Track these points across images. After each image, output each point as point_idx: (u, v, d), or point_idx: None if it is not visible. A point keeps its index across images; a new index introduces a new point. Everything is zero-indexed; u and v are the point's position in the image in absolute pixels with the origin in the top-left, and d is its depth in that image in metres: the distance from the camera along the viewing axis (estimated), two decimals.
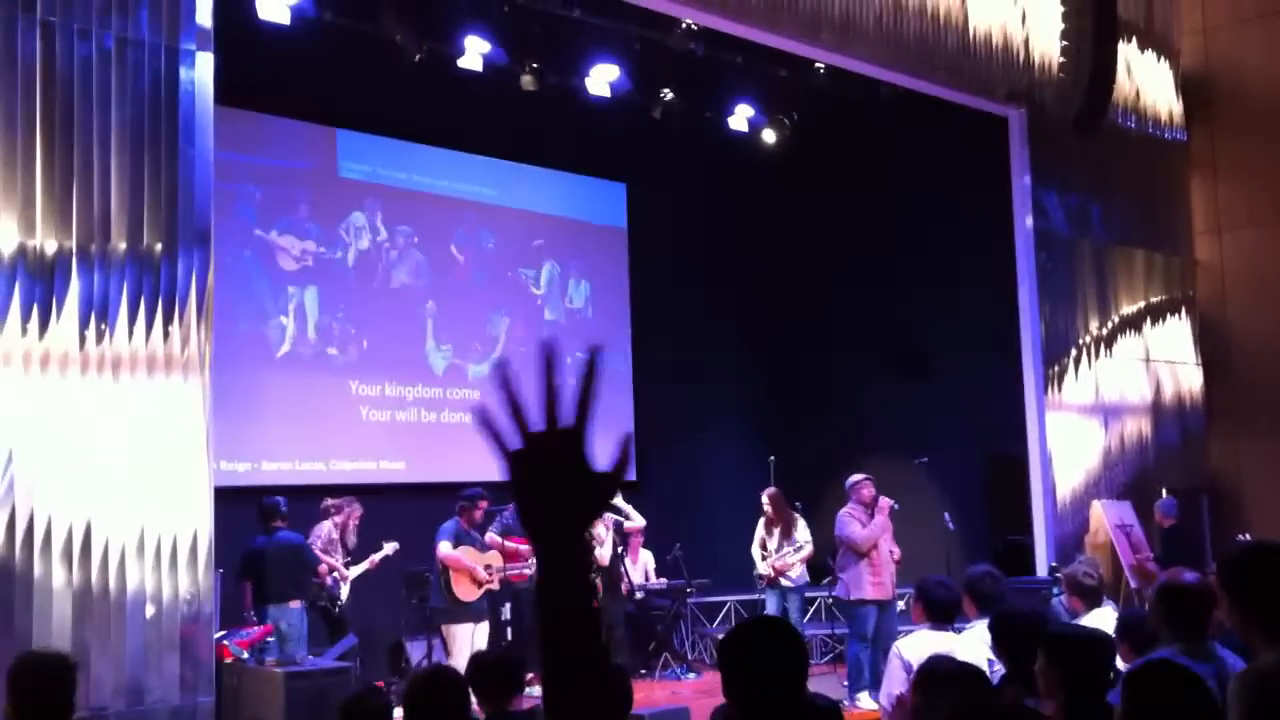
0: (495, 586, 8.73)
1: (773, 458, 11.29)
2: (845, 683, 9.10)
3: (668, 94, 11.84)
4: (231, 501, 8.10)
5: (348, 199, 11.16)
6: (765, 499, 9.88)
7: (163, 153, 6.29)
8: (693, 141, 12.33)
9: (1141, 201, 12.08)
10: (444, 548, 8.51)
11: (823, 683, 8.99)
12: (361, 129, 11.16)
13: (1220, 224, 12.58)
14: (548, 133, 11.90)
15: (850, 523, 9.00)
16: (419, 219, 11.60)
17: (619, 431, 1.42)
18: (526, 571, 8.88)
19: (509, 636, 9.34)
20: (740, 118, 12.31)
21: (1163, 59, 12.50)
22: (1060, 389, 10.89)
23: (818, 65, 11.17)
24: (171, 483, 6.16)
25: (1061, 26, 11.13)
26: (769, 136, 12.76)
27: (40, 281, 5.85)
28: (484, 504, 8.79)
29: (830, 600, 11.89)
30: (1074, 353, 11.10)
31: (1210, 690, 2.54)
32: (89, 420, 5.94)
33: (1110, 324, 11.55)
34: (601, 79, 11.16)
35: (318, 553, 8.90)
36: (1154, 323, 12.05)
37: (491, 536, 8.95)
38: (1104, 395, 11.35)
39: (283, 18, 9.34)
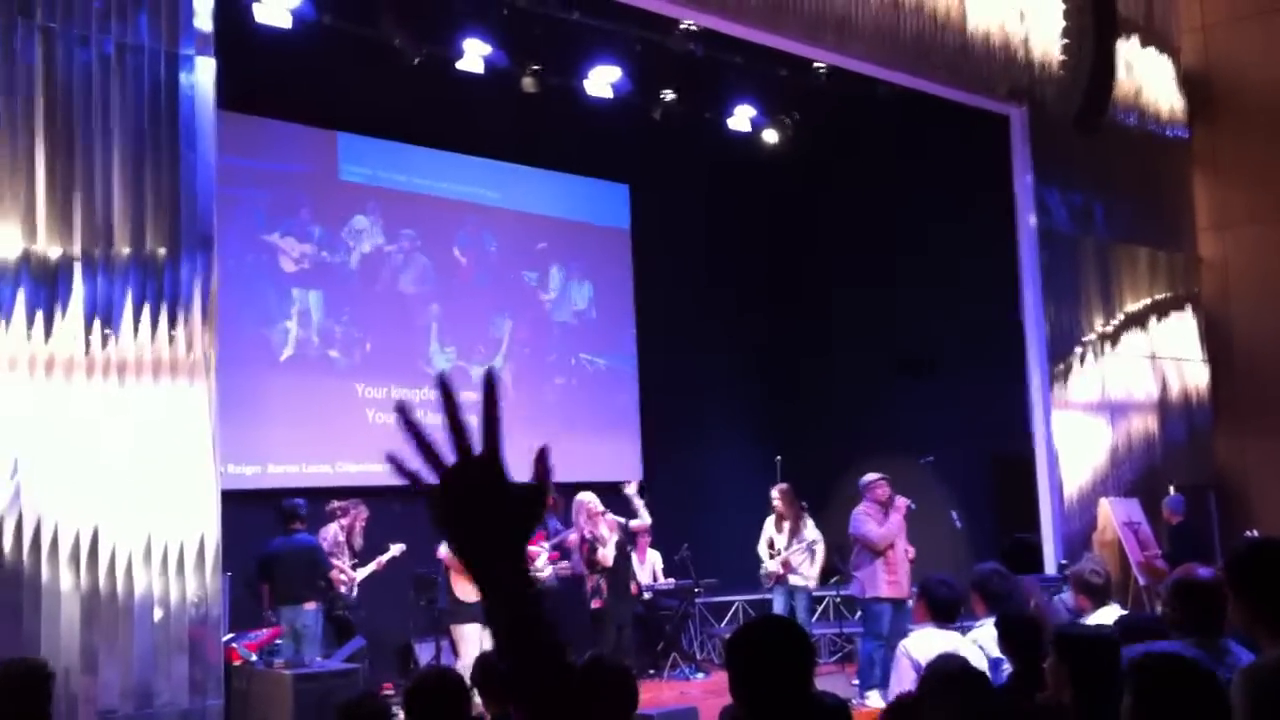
0: None
1: (779, 457, 11.27)
2: (855, 681, 9.10)
3: (668, 95, 11.83)
4: (240, 504, 8.11)
5: (349, 202, 11.16)
6: (775, 494, 9.84)
7: (164, 157, 6.30)
8: (694, 142, 12.31)
9: (1144, 199, 12.06)
10: (445, 548, 8.51)
11: (831, 682, 8.96)
12: (362, 132, 11.16)
13: (1223, 220, 12.57)
14: (549, 135, 11.88)
15: (866, 521, 9.01)
16: (421, 222, 11.60)
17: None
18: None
19: None
20: (741, 118, 12.30)
21: (1163, 56, 12.49)
22: (1066, 387, 10.88)
23: (818, 65, 11.14)
24: (178, 486, 6.16)
25: (1062, 24, 11.13)
26: (770, 137, 12.75)
27: (44, 286, 5.86)
28: None
29: (838, 599, 11.91)
30: (1079, 350, 11.09)
31: (1220, 685, 2.53)
32: (95, 425, 5.94)
33: (1115, 321, 11.54)
34: (602, 80, 11.16)
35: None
36: (1159, 319, 12.04)
37: None
38: (1110, 393, 11.34)
39: (283, 22, 9.35)
